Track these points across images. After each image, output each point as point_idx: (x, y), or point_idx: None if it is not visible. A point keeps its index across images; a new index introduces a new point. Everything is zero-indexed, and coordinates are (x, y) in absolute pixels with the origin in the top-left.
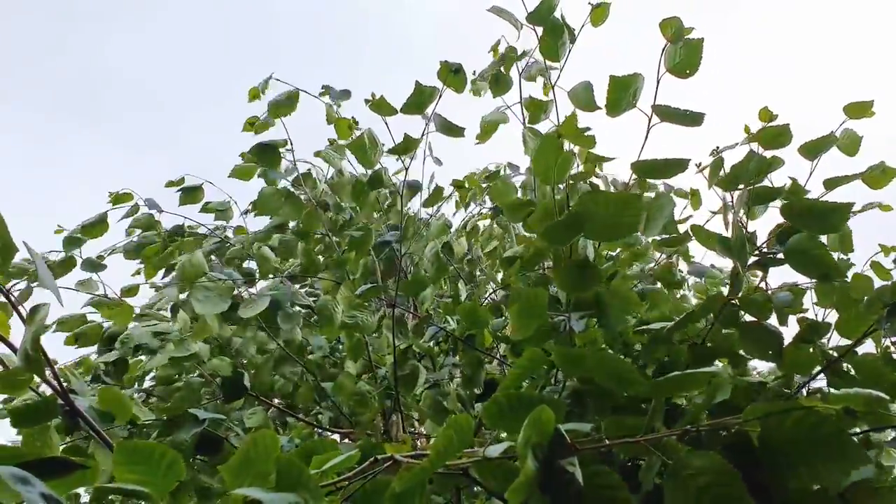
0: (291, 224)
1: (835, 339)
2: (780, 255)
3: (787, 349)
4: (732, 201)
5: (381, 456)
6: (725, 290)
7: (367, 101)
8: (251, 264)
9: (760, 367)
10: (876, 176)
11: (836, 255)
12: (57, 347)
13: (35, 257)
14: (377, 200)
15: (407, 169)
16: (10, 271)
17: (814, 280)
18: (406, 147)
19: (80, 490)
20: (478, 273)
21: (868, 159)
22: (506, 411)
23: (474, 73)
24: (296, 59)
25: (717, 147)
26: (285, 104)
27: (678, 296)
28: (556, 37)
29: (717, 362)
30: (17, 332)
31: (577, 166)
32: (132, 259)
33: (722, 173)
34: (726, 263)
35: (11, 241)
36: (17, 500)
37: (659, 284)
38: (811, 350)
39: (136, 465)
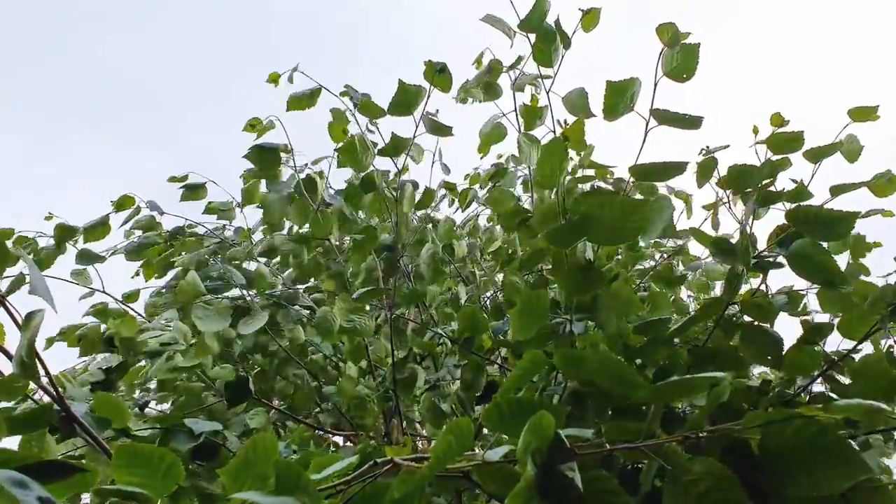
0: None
1: (838, 341)
2: (780, 259)
3: (789, 351)
4: (729, 202)
5: (381, 459)
6: (720, 287)
7: (355, 104)
8: (251, 265)
9: (762, 369)
10: (882, 184)
11: (847, 260)
12: (57, 353)
13: (28, 264)
14: (383, 202)
15: (400, 171)
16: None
17: (816, 285)
18: (396, 148)
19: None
20: (479, 274)
21: (868, 158)
22: (506, 416)
23: (466, 82)
24: (296, 60)
25: (707, 147)
26: (306, 99)
27: (676, 295)
28: (548, 43)
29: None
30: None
31: (580, 171)
32: (133, 261)
33: (716, 174)
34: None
35: (8, 248)
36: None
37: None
38: (813, 351)
39: (135, 469)
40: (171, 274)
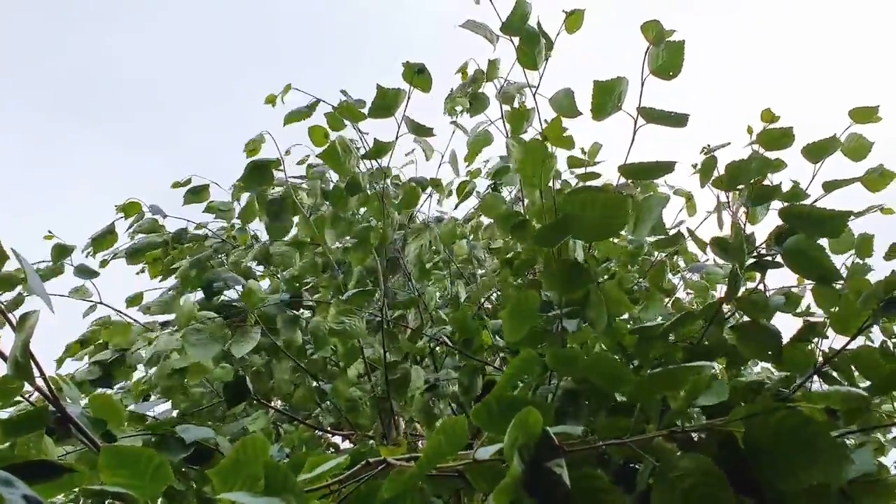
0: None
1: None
2: (779, 258)
3: (784, 348)
4: (728, 201)
5: (374, 459)
6: (722, 290)
7: (334, 108)
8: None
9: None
10: (874, 179)
11: (852, 259)
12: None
13: (24, 264)
14: (371, 203)
15: (385, 173)
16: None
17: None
18: (378, 151)
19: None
20: (480, 273)
21: (867, 160)
22: (495, 413)
23: (451, 92)
24: (296, 59)
25: (709, 146)
26: (304, 113)
27: (671, 300)
28: (532, 46)
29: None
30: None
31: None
32: (134, 263)
33: (716, 173)
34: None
35: (2, 248)
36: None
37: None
38: (808, 348)
39: (122, 469)
40: (172, 279)
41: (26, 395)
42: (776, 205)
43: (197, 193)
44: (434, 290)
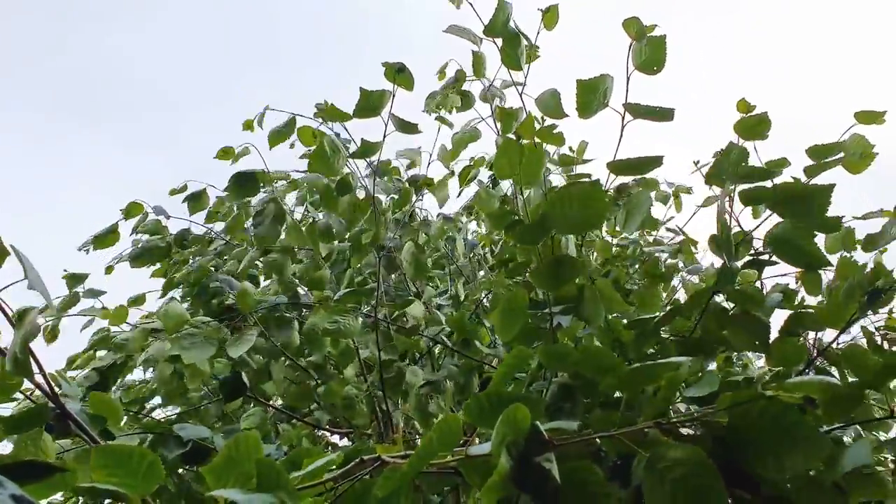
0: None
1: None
2: (775, 257)
3: (773, 343)
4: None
5: (368, 456)
6: None
7: (318, 108)
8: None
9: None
10: (854, 161)
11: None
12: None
13: (23, 260)
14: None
15: (376, 173)
16: None
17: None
18: (366, 151)
19: None
20: (482, 275)
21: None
22: (486, 409)
23: (434, 93)
24: (296, 59)
25: (722, 150)
26: (284, 132)
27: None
28: (514, 46)
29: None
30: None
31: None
32: (138, 267)
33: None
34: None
35: (2, 245)
36: None
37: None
38: (798, 342)
39: (114, 468)
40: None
41: (26, 392)
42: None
43: (198, 200)
44: (433, 289)
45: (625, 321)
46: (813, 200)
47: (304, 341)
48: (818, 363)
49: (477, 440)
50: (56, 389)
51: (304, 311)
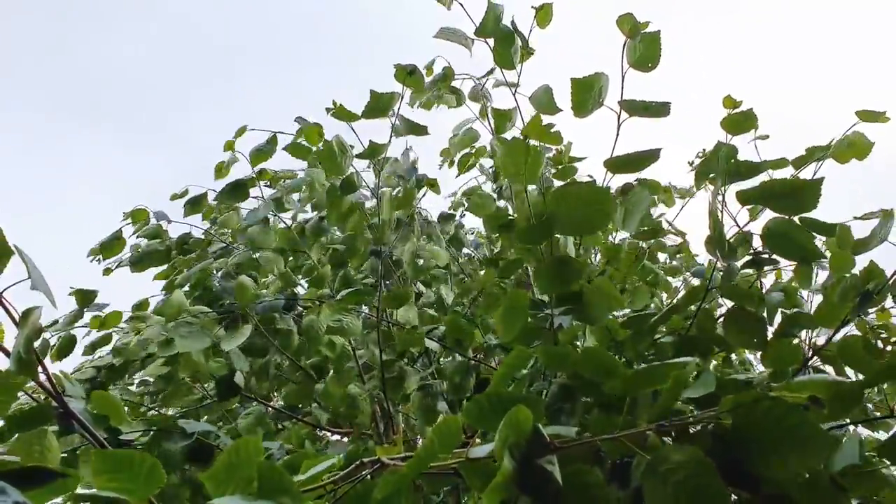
0: None
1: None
2: (774, 255)
3: (770, 343)
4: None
5: (368, 458)
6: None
7: (328, 109)
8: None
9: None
10: (842, 151)
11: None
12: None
13: (26, 260)
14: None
15: (380, 174)
16: None
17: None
18: (373, 152)
19: None
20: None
21: (871, 166)
22: (486, 411)
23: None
24: (296, 59)
25: (704, 150)
26: (267, 150)
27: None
28: (507, 46)
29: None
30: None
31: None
32: (139, 271)
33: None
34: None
35: (7, 244)
36: None
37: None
38: (792, 343)
39: (115, 474)
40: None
41: (29, 391)
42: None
43: (197, 204)
44: (433, 290)
45: (620, 319)
46: (803, 194)
47: (302, 341)
48: (813, 363)
49: (478, 440)
50: (59, 388)
51: (303, 310)
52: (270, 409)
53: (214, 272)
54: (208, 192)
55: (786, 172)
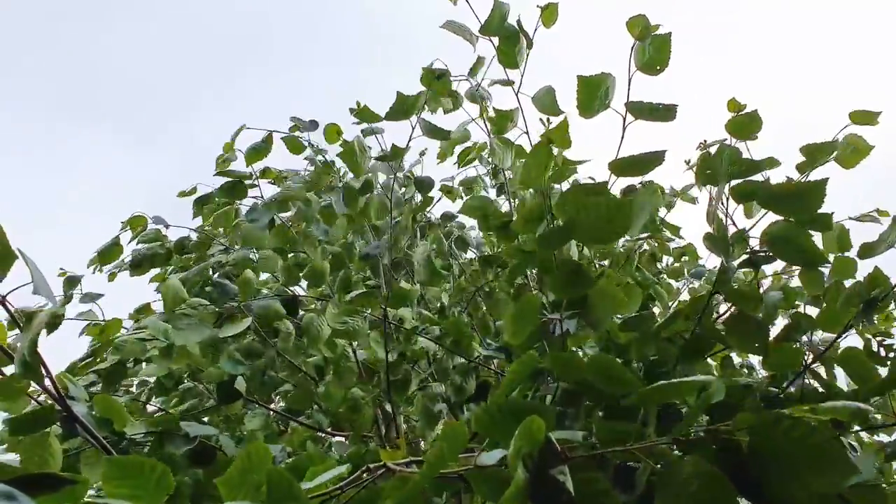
0: None
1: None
2: (772, 254)
3: (770, 346)
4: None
5: (374, 465)
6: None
7: (351, 109)
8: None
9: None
10: (846, 156)
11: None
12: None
13: (30, 264)
14: (382, 206)
15: (395, 175)
16: None
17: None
18: (395, 154)
19: None
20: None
21: (869, 163)
22: (496, 419)
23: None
24: (297, 59)
25: (705, 141)
26: (262, 149)
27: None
28: (512, 45)
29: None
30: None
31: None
32: (138, 275)
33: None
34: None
35: (10, 249)
36: None
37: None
38: (795, 347)
39: (125, 480)
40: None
41: (34, 395)
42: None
43: (205, 202)
44: (439, 289)
45: (619, 322)
46: (807, 197)
47: (301, 342)
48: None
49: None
50: (63, 392)
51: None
52: (272, 412)
53: (210, 271)
54: (215, 190)
55: (780, 172)
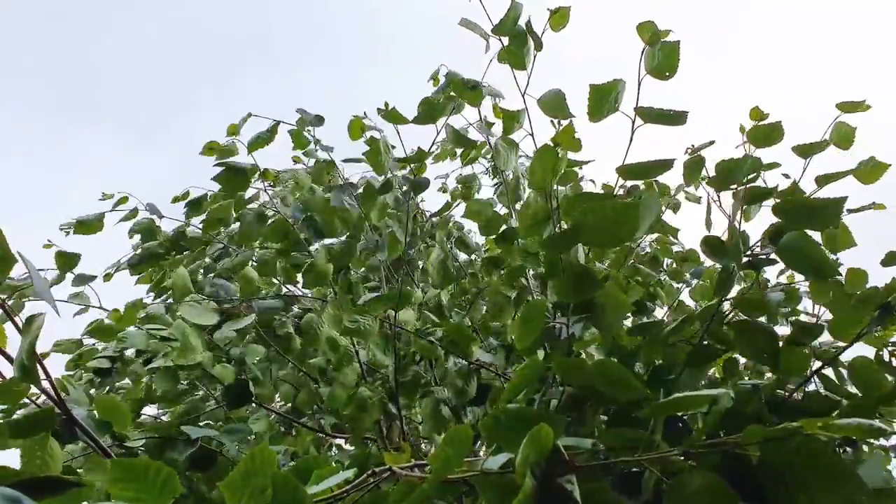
0: None
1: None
2: (773, 256)
3: (780, 352)
4: (718, 200)
5: (379, 468)
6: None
7: (379, 110)
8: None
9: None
10: (867, 171)
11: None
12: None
13: (30, 267)
14: (386, 204)
15: (415, 175)
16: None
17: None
18: (419, 158)
19: None
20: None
21: (859, 151)
22: (503, 426)
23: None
24: (298, 59)
25: (693, 145)
26: (266, 137)
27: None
28: (520, 45)
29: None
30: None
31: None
32: (138, 273)
33: (704, 172)
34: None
35: (10, 252)
36: None
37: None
38: (804, 352)
39: (131, 483)
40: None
41: (33, 398)
42: (770, 202)
43: (198, 205)
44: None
45: (625, 326)
46: (826, 212)
47: (303, 343)
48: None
49: (484, 451)
50: (62, 394)
51: (302, 312)
52: (274, 414)
53: (203, 271)
54: (208, 193)
55: (777, 170)
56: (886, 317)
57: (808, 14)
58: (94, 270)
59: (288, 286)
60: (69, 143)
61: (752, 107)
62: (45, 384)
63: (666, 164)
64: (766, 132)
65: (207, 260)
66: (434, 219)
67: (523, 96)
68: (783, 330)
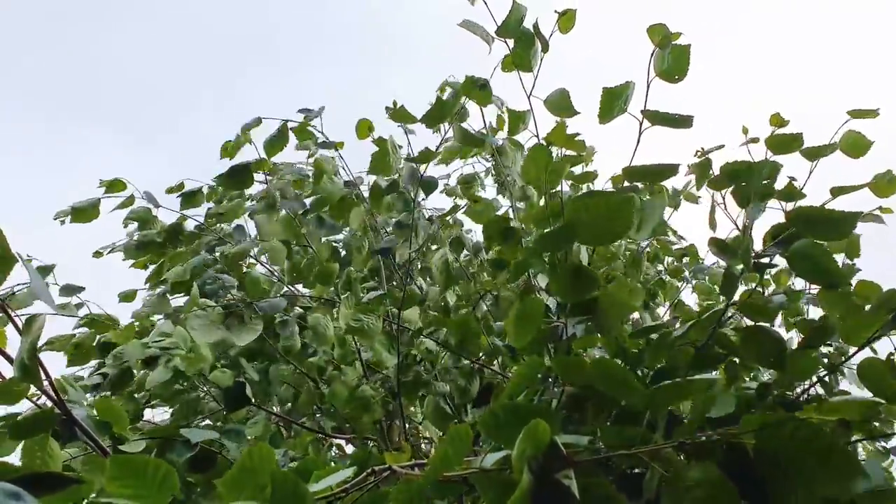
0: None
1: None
2: (776, 258)
3: (790, 355)
4: (723, 202)
5: (379, 468)
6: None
7: (387, 108)
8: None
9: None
10: (883, 184)
11: (841, 261)
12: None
13: (29, 268)
14: (391, 203)
15: (423, 175)
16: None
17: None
18: (425, 157)
19: None
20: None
21: (870, 156)
22: (502, 423)
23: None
24: (298, 59)
25: (702, 148)
26: (279, 140)
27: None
28: (527, 47)
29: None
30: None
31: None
32: (132, 258)
33: (712, 173)
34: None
35: (10, 252)
36: None
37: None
38: (813, 356)
39: (129, 480)
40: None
41: (33, 398)
42: (771, 203)
43: (192, 198)
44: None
45: (628, 329)
46: (841, 224)
47: (305, 343)
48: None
49: (483, 448)
50: (62, 395)
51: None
52: (274, 415)
53: (204, 265)
54: (204, 186)
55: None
56: None
57: (809, 14)
58: (91, 267)
59: (289, 286)
60: (69, 143)
61: (772, 113)
62: (45, 384)
63: (672, 169)
64: (786, 141)
65: (206, 251)
66: (436, 219)
67: (528, 98)
68: (782, 331)
